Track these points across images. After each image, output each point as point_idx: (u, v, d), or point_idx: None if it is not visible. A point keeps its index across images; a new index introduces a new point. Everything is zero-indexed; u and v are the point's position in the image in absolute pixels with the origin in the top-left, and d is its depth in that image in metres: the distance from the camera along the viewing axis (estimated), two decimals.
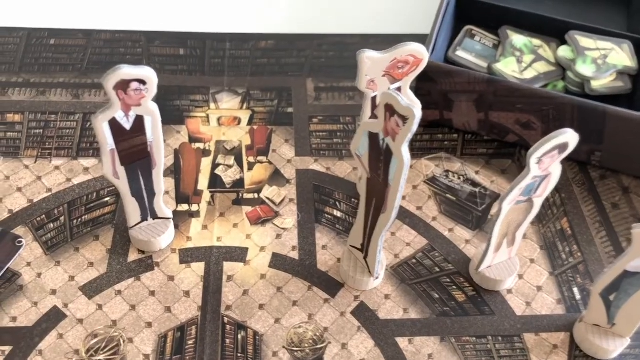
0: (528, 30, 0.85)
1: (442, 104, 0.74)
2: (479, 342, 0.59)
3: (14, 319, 0.58)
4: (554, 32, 0.83)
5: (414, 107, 0.45)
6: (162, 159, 0.57)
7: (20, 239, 0.63)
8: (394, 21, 0.91)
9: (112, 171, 0.55)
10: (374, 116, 0.62)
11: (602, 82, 0.79)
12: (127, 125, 0.52)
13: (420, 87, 0.73)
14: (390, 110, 0.47)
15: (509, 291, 0.63)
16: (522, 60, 0.81)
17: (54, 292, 0.60)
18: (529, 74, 0.80)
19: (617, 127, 0.69)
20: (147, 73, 0.49)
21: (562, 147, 0.50)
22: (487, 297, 0.62)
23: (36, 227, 0.65)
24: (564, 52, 0.82)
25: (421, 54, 0.57)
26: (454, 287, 0.63)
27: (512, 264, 0.62)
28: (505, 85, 0.70)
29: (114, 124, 0.52)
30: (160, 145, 0.56)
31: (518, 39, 0.83)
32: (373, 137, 0.51)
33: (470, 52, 0.84)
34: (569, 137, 0.49)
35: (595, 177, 0.73)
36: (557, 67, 0.81)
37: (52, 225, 0.65)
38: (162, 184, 0.60)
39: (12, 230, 0.64)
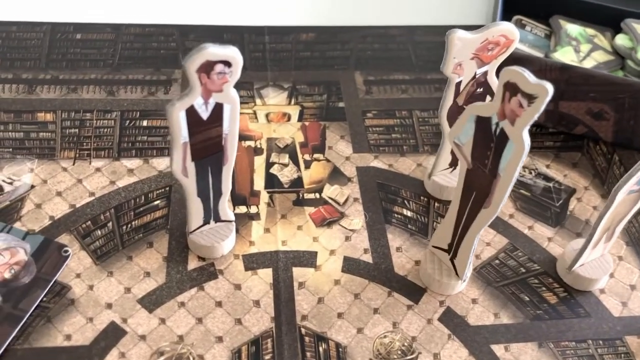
0: (578, 19, 0.82)
1: None
2: (579, 347, 0.55)
3: (69, 337, 0.52)
4: (606, 20, 0.80)
5: (546, 83, 0.40)
6: (234, 154, 0.51)
7: (66, 248, 0.57)
8: (438, 12, 0.87)
9: (181, 167, 0.49)
10: (455, 104, 0.58)
11: None
12: (205, 114, 0.46)
13: None
14: (512, 89, 0.42)
15: (602, 291, 0.59)
16: (579, 50, 0.78)
17: (109, 305, 0.54)
18: (589, 64, 0.76)
19: None
20: (234, 54, 0.44)
21: None
22: (580, 298, 0.58)
23: (82, 234, 0.59)
24: (622, 40, 0.78)
25: (513, 34, 0.53)
26: (544, 288, 0.58)
27: (605, 261, 0.58)
28: (580, 72, 0.66)
29: (191, 113, 0.46)
30: (235, 138, 0.50)
31: (573, 28, 0.80)
32: (482, 122, 0.46)
33: (524, 42, 0.80)
34: None
35: None
36: (616, 56, 0.78)
37: (99, 232, 0.59)
38: (230, 183, 0.54)
39: (56, 239, 0.58)
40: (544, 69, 0.67)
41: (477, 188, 0.49)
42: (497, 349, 0.54)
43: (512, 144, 0.44)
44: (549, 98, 0.41)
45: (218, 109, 0.47)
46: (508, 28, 0.53)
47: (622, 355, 0.54)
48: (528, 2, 0.82)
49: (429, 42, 0.82)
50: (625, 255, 0.62)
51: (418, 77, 0.78)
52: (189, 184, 0.52)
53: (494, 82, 0.57)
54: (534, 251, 0.61)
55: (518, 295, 0.58)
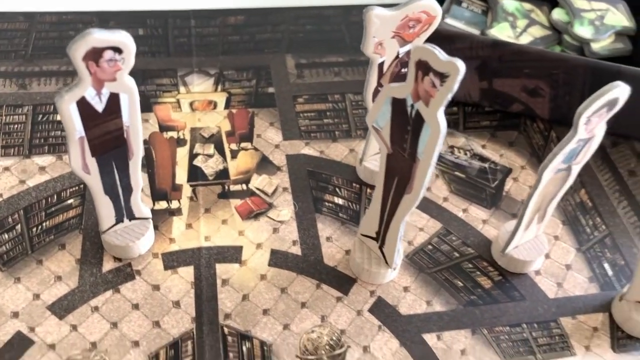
0: None
1: None
2: (513, 332, 0.53)
3: None
4: None
5: (457, 60, 0.38)
6: (140, 147, 0.48)
7: None
8: None
9: (81, 164, 0.46)
10: (379, 85, 0.55)
11: (601, 44, 0.74)
12: (100, 106, 0.43)
13: None
14: (423, 68, 0.40)
15: (537, 273, 0.57)
16: (516, 26, 0.76)
17: (15, 314, 0.50)
18: (525, 39, 0.74)
19: (632, 86, 0.64)
20: (124, 39, 0.40)
21: (612, 104, 0.44)
22: (515, 281, 0.56)
23: None
24: (558, 14, 0.76)
25: (435, 10, 0.50)
26: (478, 272, 0.57)
27: (540, 242, 0.56)
28: (512, 48, 0.64)
29: (83, 106, 0.42)
30: (138, 129, 0.46)
31: (509, 4, 0.78)
32: (398, 105, 0.43)
33: (460, 19, 0.77)
34: (621, 91, 0.43)
35: (607, 144, 0.68)
36: (553, 30, 0.76)
37: (6, 235, 0.55)
38: (140, 178, 0.51)
39: None
40: (475, 46, 0.64)
41: (399, 173, 0.47)
42: (429, 338, 0.52)
43: (428, 126, 0.42)
44: (460, 76, 0.38)
45: (114, 99, 0.43)
46: (429, 4, 0.50)
47: (557, 337, 0.53)
48: None
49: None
50: (561, 234, 0.60)
51: (352, 59, 0.75)
52: (93, 181, 0.48)
53: None
54: (469, 235, 0.59)
55: (451, 281, 0.56)
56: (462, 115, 0.70)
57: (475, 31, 0.75)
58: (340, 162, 0.64)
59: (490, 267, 0.57)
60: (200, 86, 0.70)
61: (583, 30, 0.74)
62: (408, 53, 0.53)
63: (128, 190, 0.51)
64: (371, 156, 0.61)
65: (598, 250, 0.59)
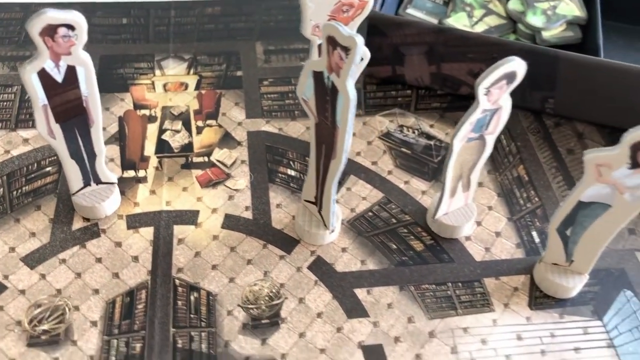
0: None
1: (394, 59, 0.73)
2: (438, 289, 0.58)
3: None
4: None
5: (356, 35, 0.43)
6: (99, 116, 0.54)
7: None
8: None
9: (46, 129, 0.52)
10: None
11: (552, 33, 0.78)
12: (59, 77, 0.49)
13: (371, 41, 0.72)
14: (332, 42, 0.45)
15: (468, 238, 0.62)
16: (472, 15, 0.81)
17: None
18: (480, 28, 0.79)
19: (569, 72, 0.68)
20: (75, 17, 0.46)
21: (510, 77, 0.49)
22: (445, 245, 0.61)
23: None
24: (513, 4, 0.81)
25: None
26: (412, 237, 0.62)
27: (469, 209, 0.61)
28: (455, 34, 0.69)
29: (44, 76, 0.49)
30: (96, 99, 0.53)
31: None
32: (318, 77, 0.49)
33: (421, 9, 0.82)
34: (516, 65, 0.48)
35: (550, 124, 0.73)
36: (508, 20, 0.81)
37: None
38: (102, 144, 0.57)
39: None
40: (422, 32, 0.69)
41: (325, 141, 0.53)
42: (360, 292, 0.57)
43: (341, 95, 0.47)
44: (359, 49, 0.44)
45: (71, 71, 0.50)
46: None
47: (478, 295, 0.58)
48: None
49: None
50: (495, 205, 0.65)
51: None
52: (59, 145, 0.55)
53: None
54: (407, 203, 0.65)
55: (386, 243, 0.61)
56: (415, 97, 0.75)
57: (434, 21, 0.80)
58: (297, 139, 0.70)
59: (424, 232, 0.62)
60: (174, 70, 0.76)
61: (535, 20, 0.78)
62: None
63: (92, 155, 0.57)
64: None
65: (528, 220, 0.64)
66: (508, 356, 0.54)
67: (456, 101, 0.75)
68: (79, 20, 0.47)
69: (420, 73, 0.73)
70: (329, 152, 0.53)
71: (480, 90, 0.48)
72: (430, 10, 0.83)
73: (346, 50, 0.44)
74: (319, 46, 0.59)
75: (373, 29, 0.70)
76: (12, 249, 0.58)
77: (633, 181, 0.47)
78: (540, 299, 0.58)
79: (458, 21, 0.80)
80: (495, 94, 0.49)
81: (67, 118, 0.53)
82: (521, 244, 0.62)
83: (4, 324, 0.54)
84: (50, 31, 0.46)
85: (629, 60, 0.67)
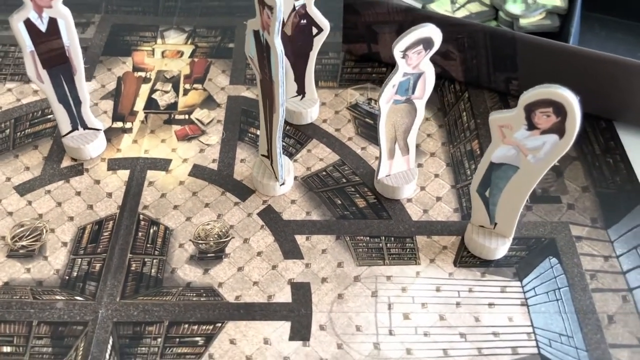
0: None
1: (368, 37, 0.78)
2: (371, 241, 0.63)
3: None
4: None
5: None
6: (81, 65, 0.63)
7: None
8: None
9: (35, 74, 0.61)
10: (283, 34, 0.67)
11: (530, 20, 0.81)
12: (42, 27, 0.58)
13: (347, 19, 0.78)
14: (261, 2, 0.52)
15: (409, 200, 0.67)
16: (455, 1, 0.85)
17: None
18: (461, 13, 0.83)
19: (528, 53, 0.72)
20: None
21: (427, 42, 0.53)
22: (386, 204, 0.66)
23: None
24: None
25: None
26: (357, 195, 0.67)
27: (411, 173, 0.66)
28: (420, 14, 0.74)
29: (29, 25, 0.58)
30: (77, 50, 0.61)
31: None
32: (256, 36, 0.56)
33: None
34: (431, 31, 0.53)
35: (514, 105, 0.76)
36: (490, 7, 0.84)
37: None
38: (86, 92, 0.66)
39: None
40: (392, 11, 0.75)
41: (268, 96, 0.59)
42: (299, 238, 0.63)
43: (272, 50, 0.54)
44: (279, 8, 0.50)
45: (53, 23, 0.58)
46: None
47: (408, 249, 0.63)
48: None
49: None
50: (442, 173, 0.69)
51: None
52: (47, 89, 0.63)
53: (314, 14, 0.66)
54: (360, 166, 0.70)
55: (333, 199, 0.67)
56: (389, 74, 0.80)
57: (418, 5, 0.85)
58: None
59: (369, 192, 0.67)
60: (174, 39, 0.85)
61: (513, 7, 0.82)
62: (303, 6, 0.65)
63: (77, 102, 0.66)
64: (290, 98, 0.73)
65: None
66: (424, 304, 0.59)
67: None
68: None
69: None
70: (271, 107, 0.59)
71: (396, 53, 0.53)
72: None
73: (270, 8, 0.51)
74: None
75: (349, 8, 0.76)
76: (8, 179, 0.68)
77: (532, 142, 0.51)
78: (466, 258, 0.62)
79: (440, 7, 0.84)
80: (414, 58, 0.54)
81: (53, 65, 0.61)
82: (459, 209, 0.66)
83: None
84: None
85: (607, 50, 0.70)
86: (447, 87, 0.78)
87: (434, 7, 0.84)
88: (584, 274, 0.61)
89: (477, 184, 0.58)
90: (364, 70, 0.81)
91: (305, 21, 0.66)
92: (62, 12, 0.58)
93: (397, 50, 0.53)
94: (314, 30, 0.67)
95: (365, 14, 0.76)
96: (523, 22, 0.81)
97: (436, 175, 0.69)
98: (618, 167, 0.70)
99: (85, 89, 0.65)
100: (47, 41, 0.59)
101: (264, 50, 0.55)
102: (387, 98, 0.57)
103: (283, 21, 0.66)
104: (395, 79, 0.55)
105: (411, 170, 0.66)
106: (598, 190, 0.67)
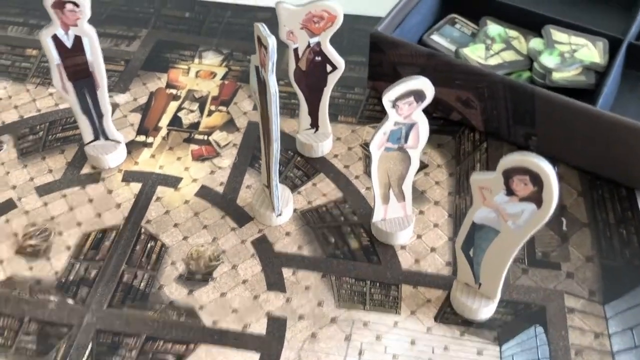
0: (512, 22, 0.87)
1: (392, 76, 0.78)
2: (356, 284, 0.63)
3: None
4: (538, 26, 0.84)
5: (271, 36, 0.51)
6: (104, 80, 0.67)
7: (2, 143, 0.76)
8: (379, 3, 0.96)
9: (60, 85, 0.66)
10: (298, 68, 0.68)
11: (564, 75, 0.79)
12: (68, 43, 0.62)
13: (373, 57, 0.78)
14: (259, 41, 0.53)
15: (403, 247, 0.66)
16: (490, 48, 0.83)
17: (14, 187, 0.72)
18: (494, 61, 0.82)
19: (547, 110, 0.70)
20: None
21: (418, 95, 0.53)
22: (379, 249, 0.66)
23: (19, 136, 0.77)
24: (534, 43, 0.83)
25: (335, 10, 0.63)
26: (352, 235, 0.67)
27: (407, 220, 0.65)
28: (443, 59, 0.73)
29: (56, 41, 0.62)
30: (101, 66, 0.65)
31: (494, 28, 0.85)
32: (257, 71, 0.57)
33: (447, 37, 0.87)
34: (422, 84, 0.52)
35: None
36: (526, 58, 0.82)
37: (31, 137, 0.77)
38: (108, 105, 0.70)
39: (0, 137, 0.77)
40: (414, 54, 0.74)
41: (266, 130, 0.60)
42: (286, 271, 0.64)
43: (267, 88, 0.55)
44: (273, 48, 0.51)
45: (78, 40, 0.62)
46: (329, 4, 0.62)
47: (391, 297, 0.62)
48: (470, 3, 0.88)
49: (361, 30, 0.92)
50: (442, 224, 0.68)
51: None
52: (72, 100, 0.68)
53: (329, 52, 0.66)
54: (361, 207, 0.70)
55: (327, 236, 0.67)
56: None
57: (452, 48, 0.84)
58: (288, 134, 0.78)
59: (365, 234, 0.67)
60: (210, 60, 0.88)
61: (548, 60, 0.80)
62: (318, 44, 0.66)
63: (100, 114, 0.70)
64: (304, 130, 0.74)
65: None
66: (395, 355, 0.58)
67: (448, 125, 0.78)
68: None
69: None
70: (270, 140, 0.60)
71: (385, 102, 0.53)
72: (456, 39, 0.87)
73: (265, 48, 0.52)
74: (295, 51, 0.67)
75: (374, 46, 0.77)
76: (32, 179, 0.73)
77: (512, 208, 0.50)
78: (448, 315, 0.61)
79: (474, 52, 0.83)
80: (405, 108, 0.54)
81: (77, 78, 0.66)
82: (452, 263, 0.65)
83: (5, 232, 0.68)
84: (59, 5, 0.59)
85: None
86: (467, 135, 0.77)
87: (467, 52, 0.83)
88: (569, 348, 0.58)
89: (462, 241, 0.57)
90: None
91: (319, 58, 0.67)
92: (87, 31, 0.62)
93: (387, 99, 0.53)
94: (329, 68, 0.68)
95: (390, 54, 0.76)
96: (556, 76, 0.79)
97: (435, 225, 0.68)
98: (630, 240, 0.66)
99: (108, 102, 0.69)
100: (72, 56, 0.64)
101: (263, 86, 0.57)
102: (377, 144, 0.57)
103: (298, 56, 0.67)
104: (386, 126, 0.55)
105: (408, 217, 0.65)
106: (603, 261, 0.64)
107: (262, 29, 0.52)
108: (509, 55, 0.83)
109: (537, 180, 0.46)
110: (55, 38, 0.62)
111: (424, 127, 0.56)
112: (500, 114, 0.73)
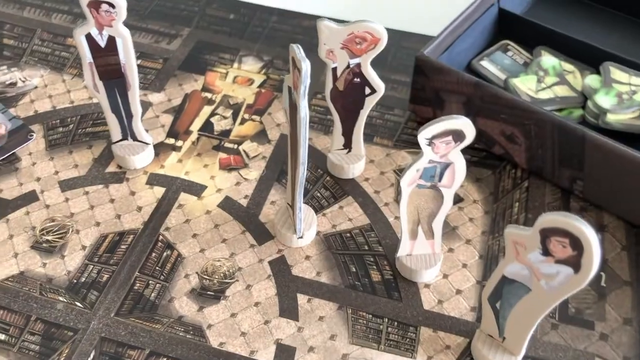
0: (569, 55, 0.82)
1: (435, 102, 0.74)
2: (373, 320, 0.60)
3: (0, 191, 0.70)
4: (596, 62, 0.80)
5: (305, 60, 0.48)
6: (135, 81, 0.65)
7: (32, 133, 0.75)
8: (430, 21, 0.92)
9: (92, 83, 0.64)
10: (335, 88, 0.65)
11: (619, 117, 0.74)
12: (102, 43, 0.61)
13: (416, 80, 0.75)
14: (294, 63, 0.51)
15: (427, 285, 0.63)
16: (542, 81, 0.79)
17: (38, 179, 0.71)
18: (545, 95, 0.77)
19: (597, 155, 0.65)
20: None
21: (457, 135, 0.50)
22: (401, 284, 0.63)
23: (49, 127, 0.77)
24: (590, 80, 0.78)
25: (378, 33, 0.60)
26: (374, 267, 0.64)
27: (434, 258, 0.62)
28: (490, 91, 0.69)
29: (90, 40, 0.60)
30: (133, 67, 0.64)
31: (548, 60, 0.81)
32: (290, 91, 0.55)
33: (497, 64, 0.83)
34: (463, 124, 0.49)
35: (574, 207, 0.69)
36: (580, 94, 0.78)
37: (61, 129, 0.76)
38: (139, 107, 0.68)
39: (30, 126, 0.76)
40: (460, 82, 0.70)
41: (294, 150, 0.58)
42: (301, 298, 0.61)
43: (298, 110, 0.52)
44: (307, 72, 0.49)
45: (112, 40, 0.61)
46: (373, 27, 0.59)
47: (408, 339, 0.59)
48: (524, 30, 0.84)
49: (409, 48, 0.88)
50: (471, 265, 0.64)
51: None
52: (102, 99, 0.66)
53: (369, 75, 0.63)
54: (387, 236, 0.67)
55: (348, 264, 0.64)
56: None
57: (502, 77, 0.80)
58: (319, 151, 0.75)
59: (388, 266, 0.64)
60: (250, 66, 0.86)
61: (604, 100, 0.75)
62: (358, 65, 0.63)
63: (129, 115, 0.68)
64: (336, 150, 0.71)
65: None
66: None
67: (489, 159, 0.74)
68: (118, 0, 0.58)
69: None
70: (297, 161, 0.58)
71: (421, 140, 0.49)
72: (507, 67, 0.82)
73: (299, 70, 0.49)
74: (333, 70, 0.64)
75: (419, 69, 0.73)
76: (57, 172, 0.72)
77: (547, 269, 0.46)
78: None
79: (524, 83, 0.79)
80: (442, 147, 0.50)
81: (109, 78, 0.64)
82: (477, 308, 0.61)
83: (23, 225, 0.67)
84: (95, 5, 0.58)
85: None
86: (507, 172, 0.73)
87: (517, 82, 0.79)
88: None
89: (489, 292, 0.53)
90: None
91: (358, 80, 0.64)
92: (122, 32, 0.60)
93: (422, 137, 0.49)
94: (367, 90, 0.65)
95: (434, 79, 0.73)
96: (611, 117, 0.74)
97: (464, 265, 0.64)
98: None
99: (138, 103, 0.68)
100: (105, 56, 0.62)
101: (294, 107, 0.54)
102: (409, 181, 0.54)
103: (336, 76, 0.64)
104: (420, 164, 0.52)
105: (435, 255, 0.62)
106: None
107: (297, 50, 0.49)
108: (562, 90, 0.78)
109: (577, 244, 0.42)
110: (89, 37, 0.60)
111: (461, 167, 0.53)
112: (545, 154, 0.69)
